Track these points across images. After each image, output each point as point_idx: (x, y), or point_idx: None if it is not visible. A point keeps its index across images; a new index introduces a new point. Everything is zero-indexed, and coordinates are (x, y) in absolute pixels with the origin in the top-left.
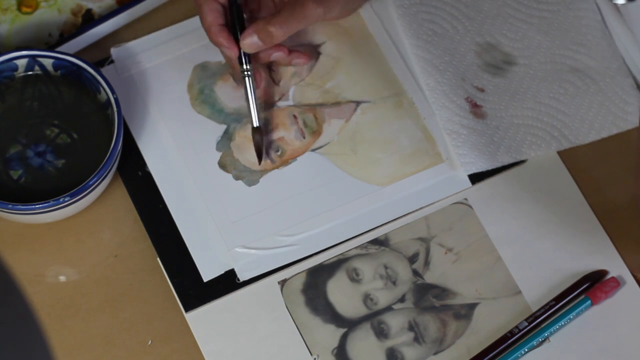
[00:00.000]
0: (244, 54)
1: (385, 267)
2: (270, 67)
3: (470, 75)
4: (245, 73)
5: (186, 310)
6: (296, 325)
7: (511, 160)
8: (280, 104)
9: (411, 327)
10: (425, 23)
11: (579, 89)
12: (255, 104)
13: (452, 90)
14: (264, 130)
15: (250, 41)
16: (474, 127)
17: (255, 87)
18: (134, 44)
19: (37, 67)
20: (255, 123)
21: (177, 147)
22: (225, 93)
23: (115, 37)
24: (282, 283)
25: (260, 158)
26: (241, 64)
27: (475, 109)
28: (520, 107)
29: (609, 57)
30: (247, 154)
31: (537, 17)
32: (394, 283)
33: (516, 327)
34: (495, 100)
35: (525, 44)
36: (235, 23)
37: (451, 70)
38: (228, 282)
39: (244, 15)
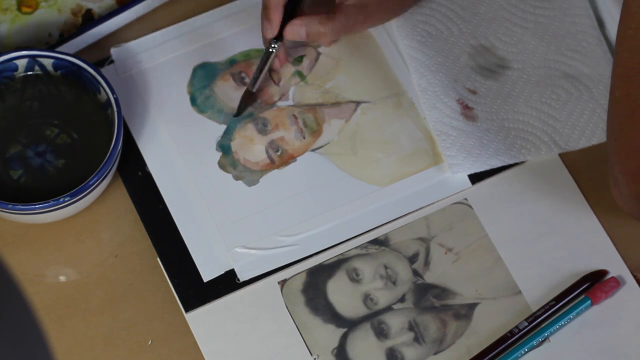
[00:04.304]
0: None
1: (385, 267)
2: (270, 67)
3: (462, 77)
4: (272, 46)
5: (186, 311)
6: (296, 325)
7: (500, 164)
8: (280, 104)
9: (411, 327)
10: (419, 24)
11: (572, 95)
12: (262, 76)
13: (443, 92)
14: (255, 98)
15: (297, 32)
16: (463, 129)
17: (271, 64)
18: (134, 44)
19: (37, 67)
20: (252, 89)
21: (177, 147)
22: (225, 93)
23: (115, 37)
24: (282, 283)
25: (239, 111)
26: (274, 39)
27: (467, 110)
28: (512, 111)
29: (603, 65)
30: (247, 153)
31: (533, 22)
32: (394, 283)
33: (516, 327)
34: (486, 103)
35: (520, 49)
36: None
37: (444, 71)
38: (228, 282)
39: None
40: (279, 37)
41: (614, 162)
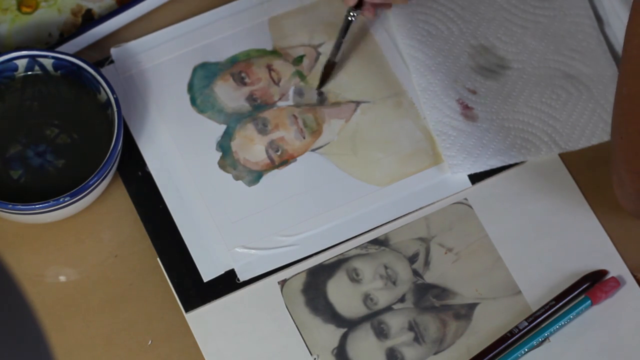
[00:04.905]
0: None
1: (385, 267)
2: (270, 67)
3: (463, 77)
4: (352, 15)
5: (186, 310)
6: (296, 325)
7: (500, 164)
8: (280, 104)
9: (411, 327)
10: (420, 24)
11: (572, 95)
12: (342, 46)
13: (443, 92)
14: (335, 68)
15: None
16: (463, 129)
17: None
18: (134, 44)
19: (37, 67)
20: (334, 59)
21: (177, 147)
22: (225, 93)
23: (115, 37)
24: (282, 283)
25: (321, 84)
26: (353, 8)
27: (466, 110)
28: (512, 111)
29: (603, 65)
30: (247, 153)
31: (533, 22)
32: (394, 283)
33: (516, 327)
34: (487, 103)
35: (520, 49)
36: None
37: (444, 71)
38: (228, 282)
39: None
40: (358, 6)
41: (619, 160)
